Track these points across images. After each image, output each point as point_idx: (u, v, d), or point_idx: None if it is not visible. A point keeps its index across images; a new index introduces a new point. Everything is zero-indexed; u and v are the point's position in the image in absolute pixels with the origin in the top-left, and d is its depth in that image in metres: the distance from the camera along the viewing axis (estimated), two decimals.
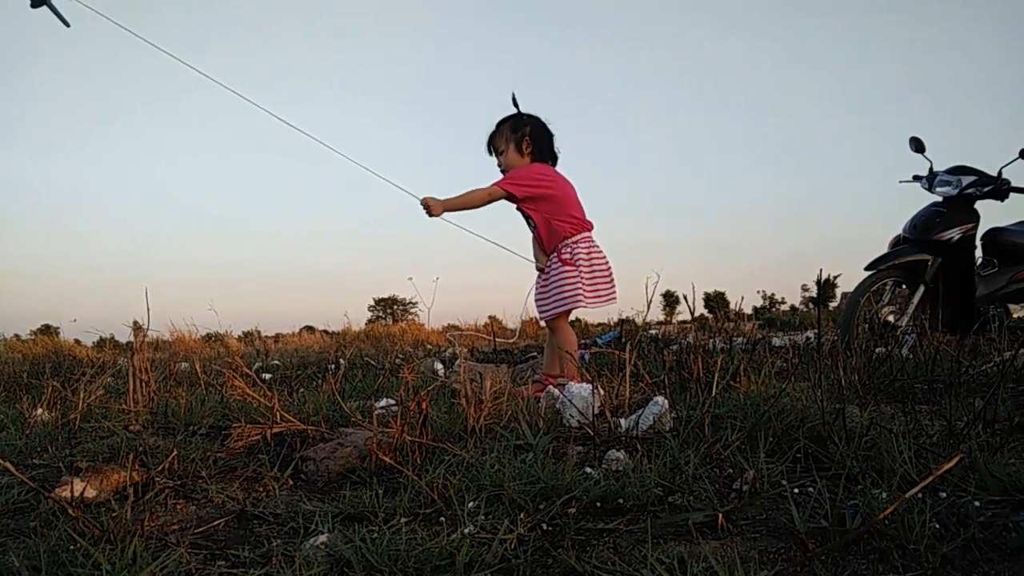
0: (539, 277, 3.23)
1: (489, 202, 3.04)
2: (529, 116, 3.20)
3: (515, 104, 3.19)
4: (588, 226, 3.15)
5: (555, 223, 3.09)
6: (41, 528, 1.41)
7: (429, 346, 7.62)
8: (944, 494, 1.34)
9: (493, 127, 3.22)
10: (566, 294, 3.06)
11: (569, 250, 3.10)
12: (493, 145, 3.21)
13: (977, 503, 1.28)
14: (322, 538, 1.26)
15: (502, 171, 3.20)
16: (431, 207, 2.96)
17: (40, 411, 2.79)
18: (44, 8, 2.50)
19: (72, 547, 1.24)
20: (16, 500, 1.59)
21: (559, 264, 3.10)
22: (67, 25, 2.54)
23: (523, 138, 3.14)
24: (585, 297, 3.08)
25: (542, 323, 3.33)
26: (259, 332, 11.93)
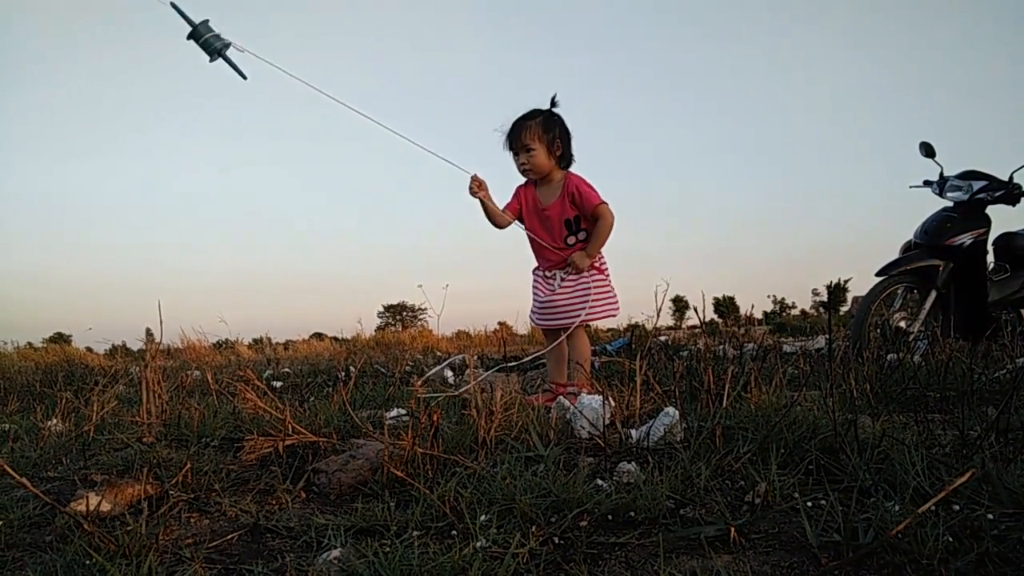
0: (552, 284, 3.16)
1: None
2: (559, 116, 3.09)
3: (553, 106, 3.09)
4: None
5: None
6: (57, 543, 1.43)
7: (439, 353, 7.64)
8: (957, 507, 1.34)
9: (516, 121, 3.08)
10: (603, 303, 3.07)
11: (599, 261, 3.11)
12: (520, 141, 3.05)
13: (990, 516, 1.27)
14: (335, 552, 1.27)
15: (524, 170, 3.11)
16: (582, 265, 3.05)
17: (54, 422, 2.81)
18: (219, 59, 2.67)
19: (88, 562, 1.25)
20: (32, 514, 1.60)
21: (593, 272, 3.08)
22: (244, 78, 2.67)
23: (555, 139, 3.05)
24: (617, 306, 3.12)
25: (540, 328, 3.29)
26: (269, 339, 11.98)
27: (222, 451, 2.25)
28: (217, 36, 2.61)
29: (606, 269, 3.13)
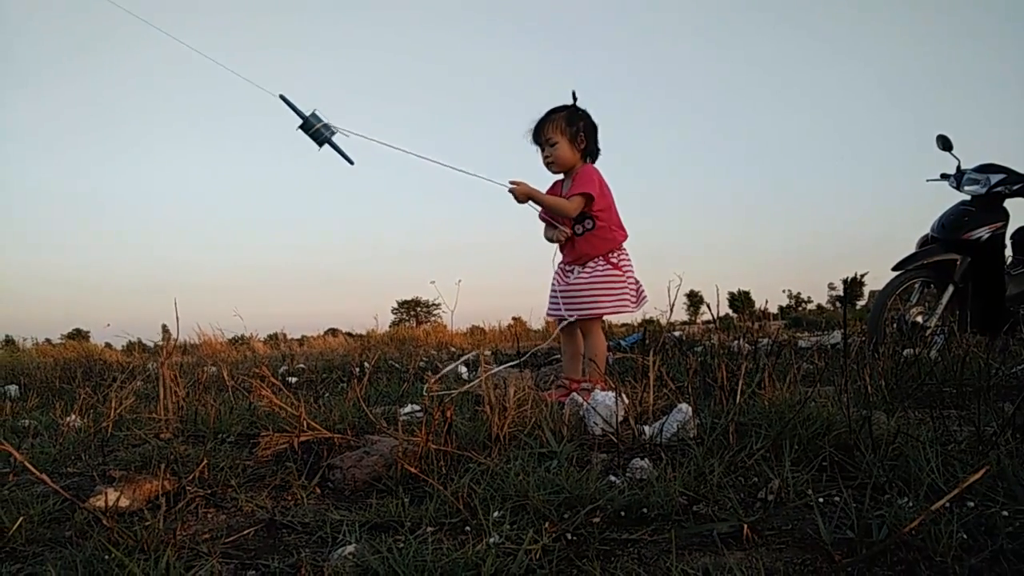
0: (568, 277, 3.17)
1: (574, 213, 3.04)
2: (584, 110, 3.13)
3: (574, 100, 3.12)
4: (626, 235, 3.16)
5: (615, 231, 3.10)
6: (76, 538, 1.45)
7: (453, 348, 7.66)
8: (972, 503, 1.33)
9: (542, 115, 3.13)
10: (614, 298, 3.06)
11: (616, 256, 3.10)
12: (543, 134, 3.10)
13: (1005, 513, 1.26)
14: (350, 548, 1.28)
15: (547, 162, 3.13)
16: (518, 192, 3.00)
17: (72, 417, 2.85)
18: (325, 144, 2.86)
19: (107, 557, 1.26)
20: (52, 510, 1.62)
21: (607, 266, 3.08)
22: (351, 163, 2.88)
23: (578, 133, 3.08)
24: (631, 302, 3.10)
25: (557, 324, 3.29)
26: (284, 335, 12.06)
27: (238, 447, 2.27)
28: (326, 126, 2.80)
29: (623, 265, 3.11)
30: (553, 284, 3.25)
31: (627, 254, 3.17)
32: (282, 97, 2.75)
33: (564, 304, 3.12)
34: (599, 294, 3.06)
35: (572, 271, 3.16)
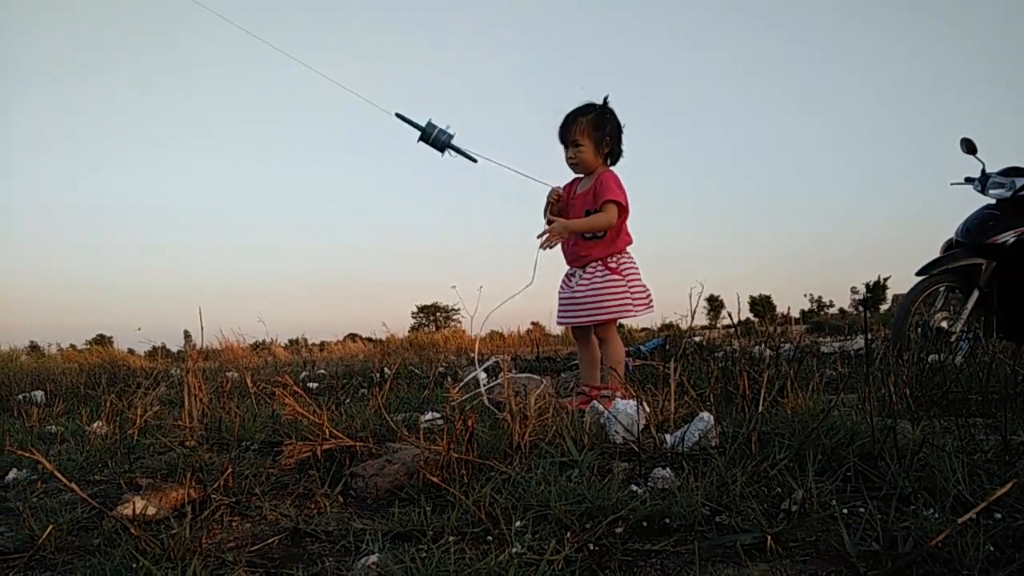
0: (571, 283, 3.17)
1: (615, 222, 3.03)
2: (611, 112, 3.10)
3: (605, 102, 3.09)
4: (631, 240, 3.15)
5: (621, 236, 3.09)
6: (105, 546, 1.47)
7: (472, 354, 7.67)
8: (999, 515, 1.32)
9: (569, 114, 3.10)
10: (615, 303, 3.05)
11: (616, 260, 3.09)
12: (571, 136, 3.08)
13: None
14: (373, 558, 1.29)
15: (572, 164, 3.13)
16: (558, 231, 3.01)
17: (98, 424, 2.89)
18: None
19: (135, 565, 1.28)
20: (80, 518, 1.65)
21: (606, 272, 3.07)
22: (474, 161, 3.03)
23: (604, 137, 3.06)
24: (634, 306, 3.08)
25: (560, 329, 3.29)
26: (305, 340, 12.14)
27: (262, 455, 2.29)
28: (442, 131, 2.92)
29: (624, 270, 3.09)
30: (560, 290, 3.26)
31: (630, 258, 3.15)
32: (398, 115, 2.87)
33: (571, 310, 3.12)
34: (599, 300, 3.05)
35: (574, 275, 3.16)
